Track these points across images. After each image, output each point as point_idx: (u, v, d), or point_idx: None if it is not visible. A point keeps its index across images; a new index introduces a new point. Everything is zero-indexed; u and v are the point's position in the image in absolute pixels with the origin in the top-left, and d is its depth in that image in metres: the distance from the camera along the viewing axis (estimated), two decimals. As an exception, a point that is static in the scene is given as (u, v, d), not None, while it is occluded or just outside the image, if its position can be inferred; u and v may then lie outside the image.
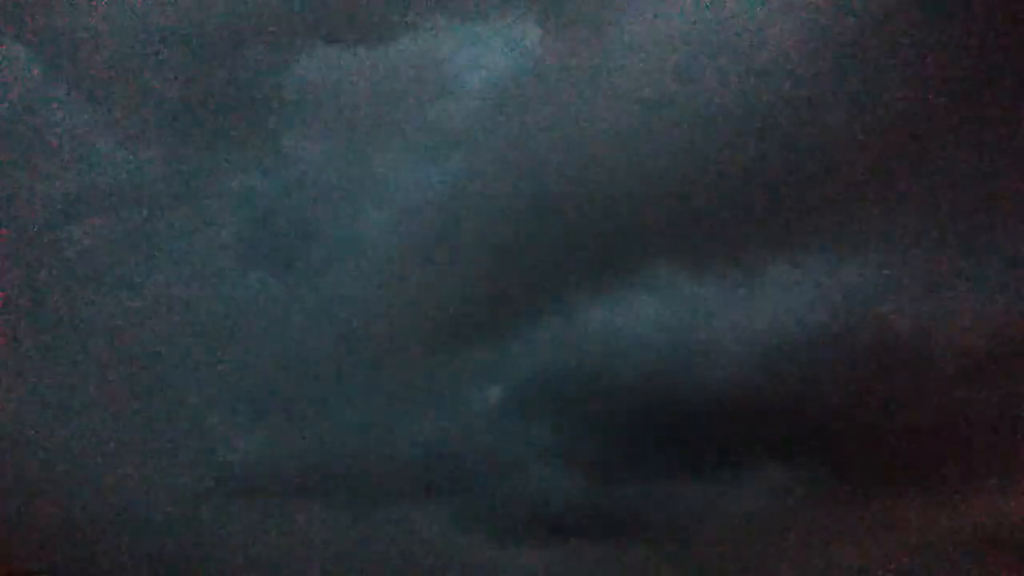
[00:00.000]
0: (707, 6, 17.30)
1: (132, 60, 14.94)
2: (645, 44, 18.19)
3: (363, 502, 14.06)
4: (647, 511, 17.12)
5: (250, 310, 15.32)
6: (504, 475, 15.67)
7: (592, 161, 17.98)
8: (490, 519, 15.60)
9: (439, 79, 17.05)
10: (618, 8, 17.47)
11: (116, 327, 14.31)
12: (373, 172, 16.51)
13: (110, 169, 15.34)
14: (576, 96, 18.27)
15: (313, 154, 16.22)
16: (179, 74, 15.13)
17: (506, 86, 17.41)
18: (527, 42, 17.74)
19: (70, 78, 15.18)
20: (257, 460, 14.41)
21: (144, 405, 13.92)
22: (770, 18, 17.60)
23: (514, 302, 16.59)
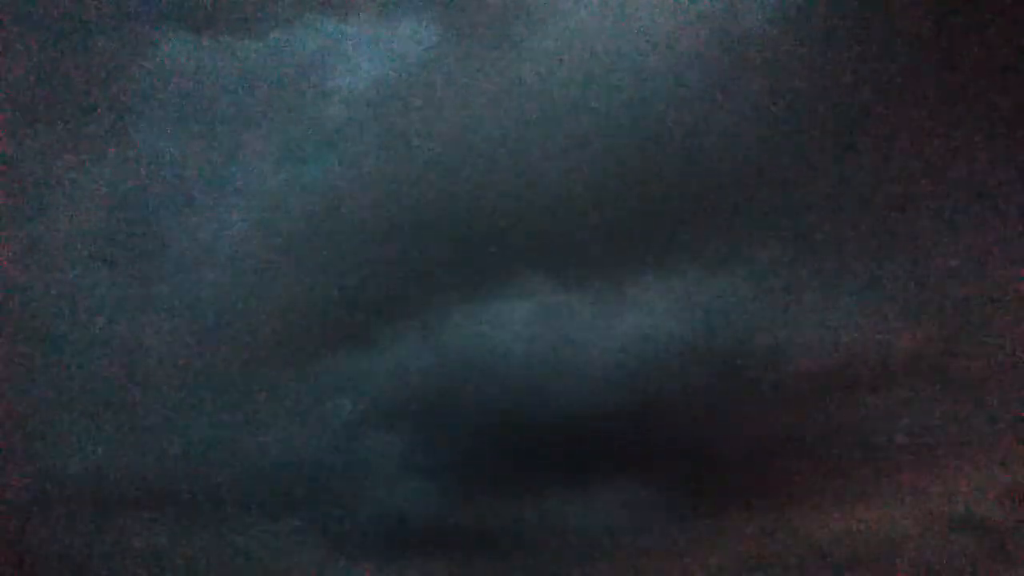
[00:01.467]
0: (613, 18, 17.18)
1: (-28, 44, 14.09)
2: (544, 55, 18.02)
3: (206, 515, 13.53)
4: (499, 526, 16.98)
5: (97, 310, 14.61)
6: (358, 489, 15.29)
7: (469, 169, 17.74)
8: (340, 534, 15.21)
9: (315, 77, 16.54)
10: (522, 14, 17.23)
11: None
12: (237, 170, 15.93)
13: (-54, 159, 14.46)
14: (460, 104, 18.00)
15: (172, 148, 15.56)
16: (25, 62, 14.34)
17: (387, 88, 17.01)
18: (415, 45, 17.34)
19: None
20: (94, 470, 13.74)
21: (-31, 408, 13.14)
22: (673, 29, 17.57)
23: (379, 310, 16.24)
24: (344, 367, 15.40)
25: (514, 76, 17.98)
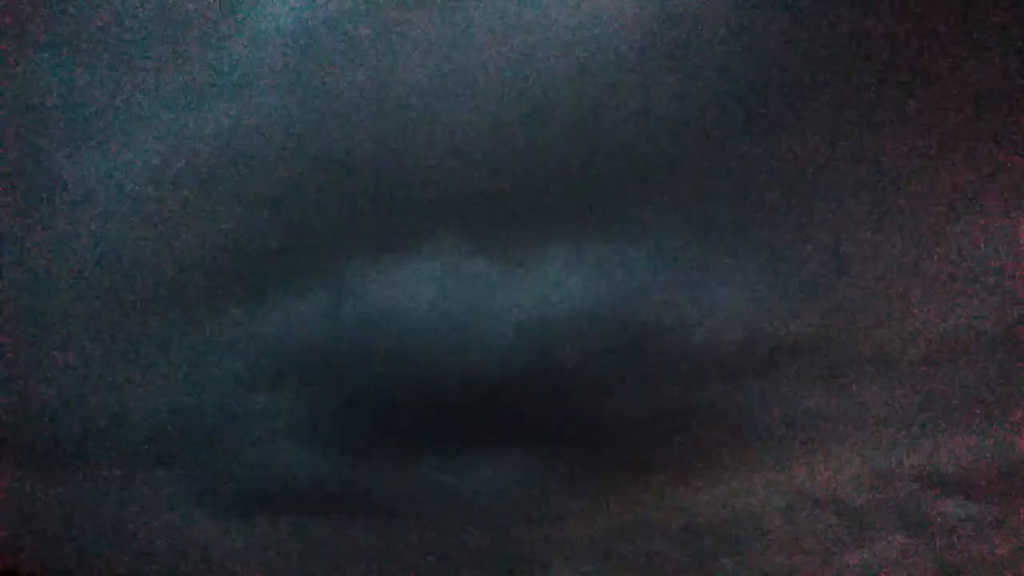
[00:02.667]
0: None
1: None
2: (469, 18, 17.49)
3: (77, 464, 12.99)
4: (385, 489, 16.78)
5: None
6: (239, 448, 14.90)
7: (385, 125, 17.24)
8: (222, 492, 14.80)
9: (236, 18, 15.80)
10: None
11: None
12: (134, 109, 15.16)
13: None
14: (382, 60, 17.38)
15: (61, 84, 14.66)
16: None
17: (307, 36, 16.39)
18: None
19: None
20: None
21: None
22: (610, 14, 17.17)
23: (281, 264, 15.71)
24: (239, 322, 14.87)
25: (438, 37, 17.48)
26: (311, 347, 15.80)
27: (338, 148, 16.50)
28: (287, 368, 15.78)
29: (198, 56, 16.20)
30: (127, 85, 15.46)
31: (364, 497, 16.88)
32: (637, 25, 16.31)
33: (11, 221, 14.46)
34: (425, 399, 16.36)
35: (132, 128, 15.35)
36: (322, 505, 16.14)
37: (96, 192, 14.97)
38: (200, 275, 14.21)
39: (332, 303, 15.89)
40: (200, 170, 15.00)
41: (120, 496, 13.10)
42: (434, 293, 17.56)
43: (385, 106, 17.24)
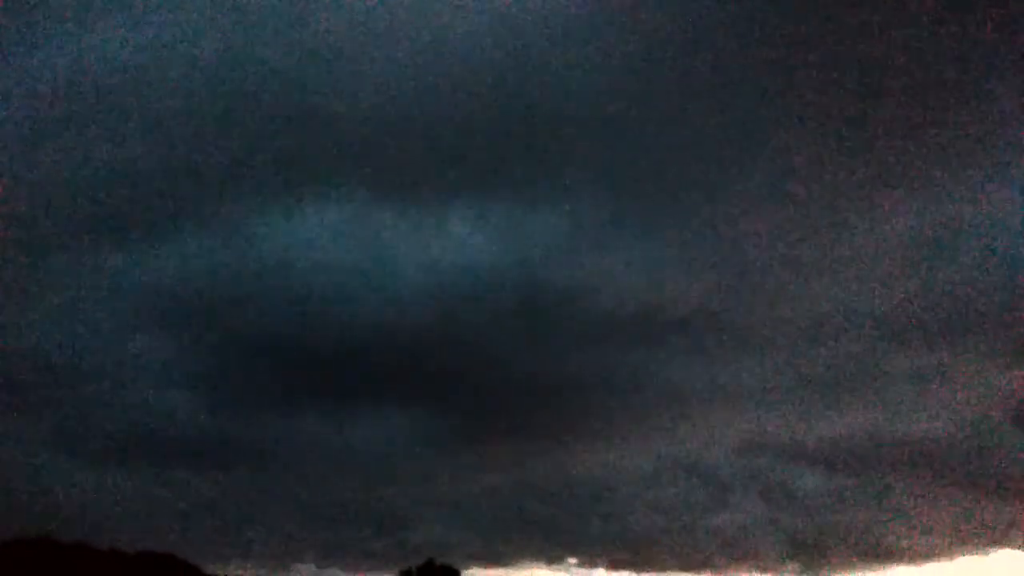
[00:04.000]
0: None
1: None
2: None
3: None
4: (262, 440, 15.96)
5: None
6: (115, 393, 13.88)
7: (297, 60, 16.18)
8: (88, 439, 13.73)
9: None
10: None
11: None
12: (37, 23, 13.87)
13: None
14: (304, 8, 16.28)
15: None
16: None
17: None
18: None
19: None
20: None
21: None
22: None
23: (172, 203, 14.72)
24: (124, 262, 13.86)
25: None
26: (199, 291, 14.71)
27: (244, 84, 15.36)
28: (170, 312, 14.68)
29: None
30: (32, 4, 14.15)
31: (239, 447, 15.91)
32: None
33: None
34: (313, 350, 15.53)
35: (32, 46, 14.06)
36: (196, 454, 15.19)
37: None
38: (87, 213, 13.01)
39: (225, 246, 14.79)
40: (89, 98, 13.74)
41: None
42: (333, 242, 16.71)
43: (298, 49, 16.17)
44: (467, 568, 34.86)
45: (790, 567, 46.15)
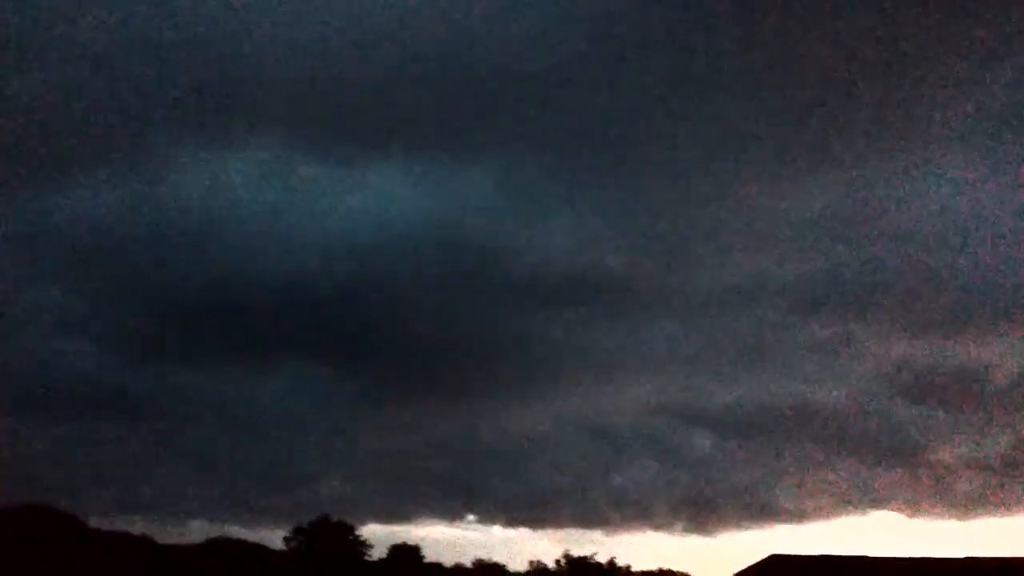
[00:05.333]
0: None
1: None
2: None
3: None
4: (162, 395, 15.96)
5: None
6: (9, 340, 13.82)
7: (228, 12, 16.05)
8: None
9: None
10: None
11: None
12: None
13: None
14: None
15: None
16: None
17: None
18: None
19: None
20: None
21: None
22: None
23: (84, 144, 14.51)
24: (32, 208, 13.67)
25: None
26: (106, 238, 14.71)
27: (160, 27, 15.29)
28: (75, 260, 14.65)
29: None
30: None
31: (140, 401, 16.05)
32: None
33: None
34: (223, 301, 15.57)
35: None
36: (95, 406, 15.27)
37: None
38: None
39: (140, 192, 14.78)
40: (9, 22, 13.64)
41: None
42: (254, 190, 16.70)
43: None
44: (364, 525, 35.55)
45: (679, 525, 48.44)
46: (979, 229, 51.70)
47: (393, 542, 36.16)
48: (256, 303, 29.98)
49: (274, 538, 34.39)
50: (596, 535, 50.14)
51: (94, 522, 31.53)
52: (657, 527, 48.29)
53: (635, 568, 37.18)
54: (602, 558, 35.72)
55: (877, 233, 53.34)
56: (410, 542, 36.44)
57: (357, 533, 34.16)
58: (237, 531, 36.16)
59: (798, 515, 48.17)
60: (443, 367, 43.77)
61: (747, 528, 49.18)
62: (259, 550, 33.48)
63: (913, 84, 50.30)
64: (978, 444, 47.74)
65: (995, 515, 48.03)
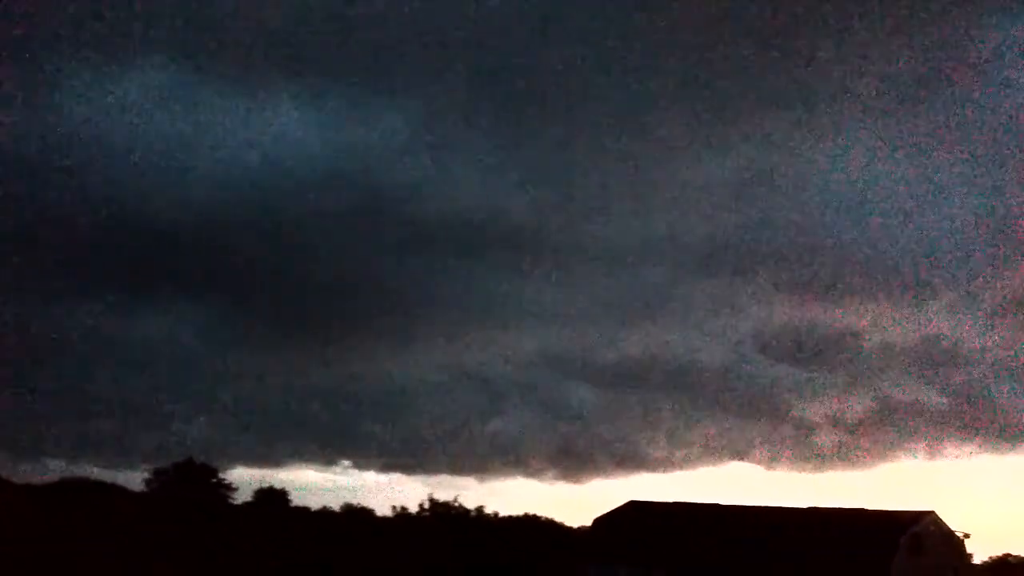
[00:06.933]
0: None
1: None
2: None
3: None
4: (31, 332, 15.05)
5: None
6: None
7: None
8: None
9: None
10: None
11: None
12: None
13: None
14: None
15: None
16: None
17: None
18: None
19: None
20: None
21: None
22: None
23: None
24: None
25: None
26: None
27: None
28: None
29: None
30: None
31: (8, 336, 15.17)
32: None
33: None
34: (110, 230, 14.65)
35: None
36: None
37: None
38: None
39: (25, 115, 13.77)
40: None
41: None
42: (145, 116, 15.74)
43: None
44: (232, 468, 34.69)
45: (551, 473, 49.52)
46: (869, 201, 53.04)
47: (260, 486, 35.54)
48: (140, 236, 28.74)
49: (136, 479, 33.45)
50: (469, 481, 50.82)
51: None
52: (529, 475, 49.07)
53: (503, 514, 37.37)
54: (470, 504, 35.65)
55: (768, 200, 54.25)
56: (277, 486, 35.88)
57: (222, 476, 33.43)
58: (96, 472, 35.06)
59: (665, 464, 49.76)
60: (332, 310, 42.93)
61: (614, 477, 50.62)
62: (117, 491, 32.50)
63: (812, 55, 50.91)
64: (839, 404, 50.11)
65: (847, 470, 51.21)
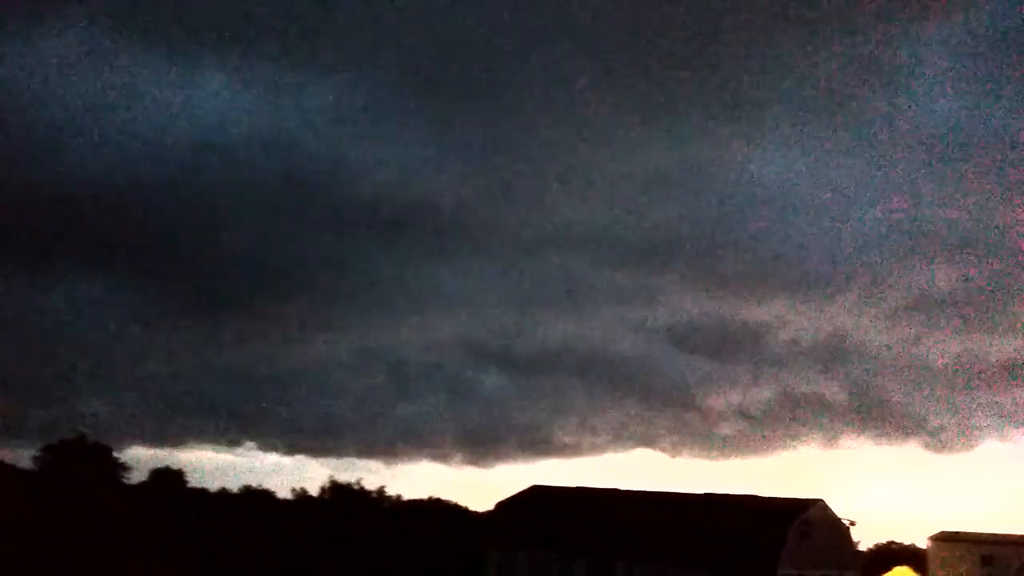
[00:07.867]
0: None
1: None
2: None
3: None
4: None
5: None
6: None
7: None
8: None
9: None
10: None
11: None
12: None
13: None
14: None
15: None
16: None
17: None
18: None
19: None
20: None
21: None
22: None
23: None
24: None
25: None
26: None
27: None
28: None
29: None
30: None
31: None
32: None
33: None
34: (21, 198, 13.79)
35: None
36: None
37: None
38: None
39: None
40: None
41: None
42: (60, 77, 14.86)
43: None
44: (127, 448, 33.63)
45: (458, 457, 49.57)
46: (783, 201, 54.04)
47: (157, 466, 34.52)
48: (40, 204, 27.55)
49: (24, 457, 32.12)
50: (375, 464, 50.54)
51: None
52: (436, 458, 48.93)
53: (406, 497, 37.12)
54: (372, 486, 35.28)
55: (688, 195, 54.85)
56: (174, 467, 34.91)
57: (116, 455, 32.38)
58: (-18, 449, 33.58)
59: (572, 450, 50.30)
60: (244, 287, 41.77)
61: (522, 461, 51.02)
62: (5, 468, 31.19)
63: (740, 58, 51.52)
64: (745, 395, 51.47)
65: (748, 457, 52.99)
